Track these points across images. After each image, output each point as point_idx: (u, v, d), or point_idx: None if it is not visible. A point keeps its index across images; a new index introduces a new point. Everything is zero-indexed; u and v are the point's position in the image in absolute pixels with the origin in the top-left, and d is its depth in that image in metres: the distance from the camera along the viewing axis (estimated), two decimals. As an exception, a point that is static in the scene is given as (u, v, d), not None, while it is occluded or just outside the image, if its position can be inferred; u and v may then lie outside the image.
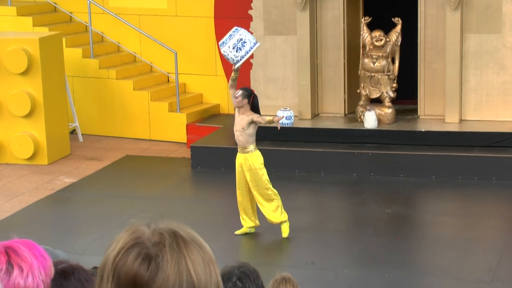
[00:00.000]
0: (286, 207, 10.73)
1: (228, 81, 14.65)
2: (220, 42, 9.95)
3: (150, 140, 14.52)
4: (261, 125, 9.91)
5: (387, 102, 12.90)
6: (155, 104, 14.51)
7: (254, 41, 9.97)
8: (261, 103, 13.70)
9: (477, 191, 11.32)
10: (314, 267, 9.03)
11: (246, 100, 9.82)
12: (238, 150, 9.92)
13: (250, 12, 13.57)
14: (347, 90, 13.39)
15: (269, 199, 9.75)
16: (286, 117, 12.89)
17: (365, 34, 12.86)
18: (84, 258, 8.79)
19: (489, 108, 12.76)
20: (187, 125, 14.25)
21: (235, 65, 9.87)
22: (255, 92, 10.48)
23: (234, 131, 9.95)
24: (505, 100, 12.71)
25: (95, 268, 3.87)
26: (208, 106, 14.83)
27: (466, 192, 11.32)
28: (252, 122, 9.73)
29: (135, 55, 15.36)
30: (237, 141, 9.93)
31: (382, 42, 12.74)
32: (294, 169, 12.31)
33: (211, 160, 12.72)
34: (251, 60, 13.71)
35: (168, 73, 15.09)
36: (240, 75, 14.37)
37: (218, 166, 12.63)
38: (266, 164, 12.46)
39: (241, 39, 9.82)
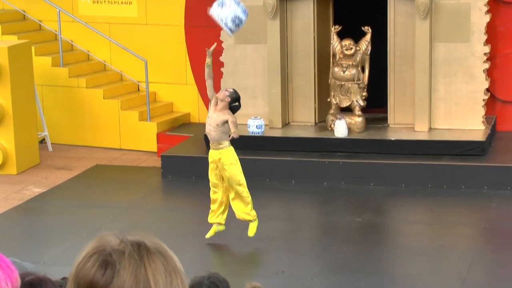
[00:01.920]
0: (258, 216, 10.73)
1: (204, 87, 14.63)
2: (213, 9, 9.81)
3: (120, 149, 14.47)
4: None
5: (357, 111, 12.94)
6: (125, 113, 14.46)
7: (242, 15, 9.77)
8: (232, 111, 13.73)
9: (447, 199, 11.38)
10: (285, 277, 9.02)
11: (229, 100, 9.77)
12: (211, 146, 9.85)
13: (220, 21, 13.55)
14: (317, 99, 13.42)
15: (240, 196, 9.70)
16: (256, 126, 12.93)
17: (335, 43, 12.91)
18: (53, 268, 8.75)
19: (458, 116, 12.83)
20: (157, 134, 14.21)
21: (230, 27, 9.63)
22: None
23: (207, 125, 9.83)
24: (474, 109, 12.79)
25: (64, 278, 3.85)
26: (179, 115, 14.80)
27: (436, 201, 11.37)
28: (226, 122, 9.69)
29: (105, 64, 15.30)
30: (208, 136, 9.84)
31: (352, 51, 12.79)
32: (265, 178, 12.31)
33: (181, 169, 12.69)
34: (221, 68, 13.71)
35: (138, 81, 15.04)
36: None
37: (189, 175, 12.60)
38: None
39: (237, 17, 9.70)
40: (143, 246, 2.03)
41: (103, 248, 2.03)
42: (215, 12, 9.61)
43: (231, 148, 9.80)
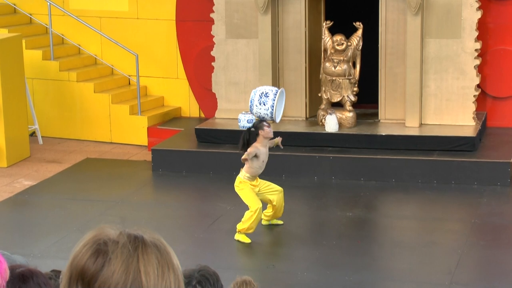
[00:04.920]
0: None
1: (195, 81, 14.63)
2: (251, 110, 10.19)
3: (111, 143, 14.46)
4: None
5: (348, 106, 12.96)
6: (116, 106, 14.44)
7: (276, 88, 10.21)
8: (223, 106, 13.75)
9: (437, 194, 11.41)
10: (275, 271, 9.04)
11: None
12: (251, 179, 9.84)
13: (212, 15, 13.57)
14: (308, 94, 13.43)
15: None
16: (247, 121, 12.93)
17: (326, 38, 12.92)
18: (43, 261, 8.77)
19: (449, 112, 12.87)
20: (148, 128, 14.21)
21: (275, 119, 10.01)
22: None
23: (262, 166, 9.84)
24: (465, 105, 12.83)
25: (53, 271, 3.85)
26: (170, 109, 14.79)
27: (426, 196, 11.40)
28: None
29: (96, 58, 15.28)
30: (256, 174, 9.87)
31: (344, 46, 12.80)
32: (255, 172, 12.31)
33: (172, 163, 12.69)
34: (212, 63, 13.71)
35: (129, 75, 15.03)
36: (201, 78, 14.40)
37: (179, 169, 12.60)
38: (227, 167, 12.48)
39: (262, 93, 10.01)
40: (140, 238, 2.05)
41: (99, 238, 2.05)
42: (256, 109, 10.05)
43: (239, 176, 9.81)
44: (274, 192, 9.98)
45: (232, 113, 13.48)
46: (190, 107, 14.84)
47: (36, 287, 2.97)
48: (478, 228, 10.22)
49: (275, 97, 10.04)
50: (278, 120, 10.44)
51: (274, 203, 10.00)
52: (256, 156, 9.70)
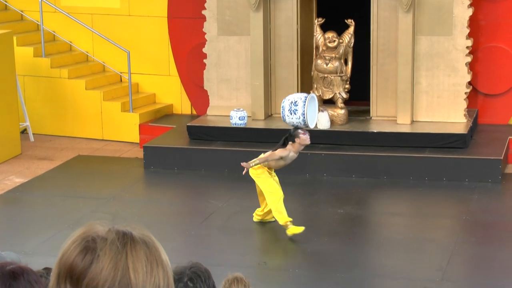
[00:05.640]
0: (240, 207, 10.79)
1: (187, 78, 14.61)
2: (284, 120, 10.21)
3: (103, 140, 14.44)
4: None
5: (339, 103, 12.97)
6: (107, 103, 14.43)
7: (304, 95, 10.23)
8: (214, 103, 13.75)
9: (428, 191, 11.43)
10: (267, 268, 9.04)
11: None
12: (272, 170, 9.90)
13: (203, 12, 13.56)
14: (300, 90, 13.43)
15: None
16: (239, 118, 12.94)
17: (318, 35, 12.92)
18: (34, 258, 8.75)
19: (440, 109, 12.89)
20: (140, 125, 14.19)
21: (309, 125, 10.05)
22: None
23: (282, 166, 9.91)
24: (456, 102, 12.85)
25: (45, 269, 3.85)
26: (161, 106, 14.78)
27: (417, 193, 11.42)
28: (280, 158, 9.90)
29: (87, 55, 15.25)
30: (276, 168, 9.90)
31: (335, 43, 12.80)
32: (247, 169, 12.31)
33: (164, 160, 12.69)
34: (204, 60, 13.71)
35: (121, 72, 15.01)
36: (193, 75, 14.39)
37: (171, 166, 12.60)
38: (219, 165, 12.48)
39: (291, 102, 10.05)
40: (129, 235, 2.05)
41: (88, 235, 2.05)
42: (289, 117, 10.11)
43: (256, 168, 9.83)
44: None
45: (224, 110, 13.47)
46: (182, 104, 14.84)
47: (27, 284, 2.96)
48: (469, 224, 10.25)
49: (304, 104, 10.09)
50: (312, 126, 10.50)
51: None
52: (282, 158, 9.76)
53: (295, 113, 10.08)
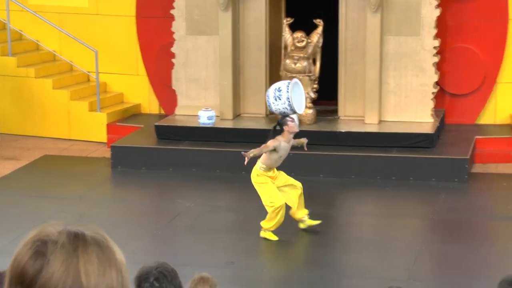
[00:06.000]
0: (208, 207, 10.76)
1: (155, 77, 14.56)
2: (270, 109, 10.04)
3: (70, 139, 14.35)
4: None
5: (308, 103, 12.98)
6: (75, 103, 14.34)
7: (288, 81, 10.09)
8: (183, 103, 13.71)
9: (396, 191, 11.48)
10: (234, 267, 9.03)
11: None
12: (267, 171, 9.70)
13: (172, 11, 13.52)
14: (268, 90, 13.43)
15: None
16: (207, 117, 12.92)
17: (287, 35, 12.94)
18: (1, 259, 8.63)
19: (408, 109, 12.95)
20: (107, 125, 14.12)
21: (296, 110, 9.83)
22: None
23: (278, 161, 9.70)
24: (423, 102, 12.91)
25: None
26: (129, 106, 14.72)
27: (385, 192, 11.46)
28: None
29: (54, 54, 15.15)
30: (273, 167, 9.72)
31: (304, 43, 12.82)
32: (215, 169, 12.30)
33: (131, 160, 12.63)
34: (172, 60, 13.67)
35: (88, 72, 14.93)
36: (161, 75, 14.34)
37: (139, 166, 12.55)
38: (187, 164, 12.45)
39: (275, 89, 9.89)
40: (81, 236, 2.02)
41: (39, 238, 2.02)
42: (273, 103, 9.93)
43: (256, 168, 9.70)
44: (289, 187, 9.85)
45: (192, 110, 13.44)
46: (150, 104, 14.78)
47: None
48: (436, 224, 10.30)
49: (288, 89, 9.90)
50: (301, 111, 10.21)
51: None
52: (275, 150, 9.61)
53: (280, 99, 9.92)
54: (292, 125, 9.60)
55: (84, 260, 1.98)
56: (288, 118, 9.68)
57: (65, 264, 1.96)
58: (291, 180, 9.80)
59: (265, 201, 9.61)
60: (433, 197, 11.19)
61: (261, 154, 9.57)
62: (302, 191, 9.79)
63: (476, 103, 13.52)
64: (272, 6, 13.36)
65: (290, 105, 9.82)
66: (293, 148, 9.95)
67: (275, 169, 9.74)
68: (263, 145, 9.55)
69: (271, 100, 9.91)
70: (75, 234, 2.02)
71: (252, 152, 9.45)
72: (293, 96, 9.92)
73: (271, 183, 9.61)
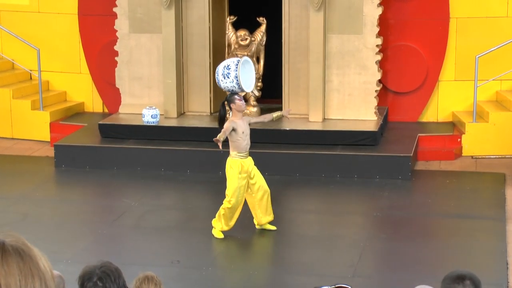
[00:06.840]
0: (153, 206, 10.72)
1: (98, 76, 14.45)
2: (219, 85, 9.89)
3: (12, 138, 14.19)
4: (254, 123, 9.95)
5: (252, 101, 13.01)
6: (17, 102, 14.18)
7: (238, 59, 9.94)
8: (126, 101, 13.64)
9: (340, 188, 11.55)
10: (179, 266, 9.01)
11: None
12: (242, 156, 9.65)
13: (115, 9, 13.44)
14: (213, 89, 13.43)
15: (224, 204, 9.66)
16: (151, 116, 12.87)
17: (230, 33, 12.94)
18: None
19: (351, 107, 13.04)
20: (50, 123, 13.99)
21: (244, 89, 9.70)
22: None
23: (244, 138, 9.62)
24: (366, 100, 13.02)
25: None
26: (72, 104, 14.60)
27: (329, 190, 11.53)
28: (249, 123, 9.73)
29: (-4, 52, 14.96)
30: (244, 148, 9.65)
31: (247, 41, 12.84)
32: (160, 167, 12.27)
33: (75, 159, 12.53)
34: (116, 58, 13.58)
35: (30, 70, 14.77)
36: (104, 73, 14.24)
37: (83, 165, 12.46)
38: (132, 163, 12.39)
39: (224, 66, 9.76)
40: (0, 246, 1.96)
41: None
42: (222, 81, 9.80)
43: (228, 159, 9.67)
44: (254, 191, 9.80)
45: (136, 108, 13.38)
46: (94, 102, 14.68)
47: None
48: (380, 221, 10.39)
49: (236, 67, 9.81)
50: (250, 89, 10.03)
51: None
52: (233, 129, 9.56)
53: (228, 77, 9.83)
54: (239, 104, 9.61)
55: (4, 272, 1.91)
56: (236, 96, 9.68)
57: None
58: (263, 182, 9.80)
59: (228, 194, 9.62)
60: (377, 194, 11.29)
61: (226, 136, 9.57)
62: (268, 195, 9.84)
63: (418, 101, 13.67)
64: (215, 4, 13.35)
65: (238, 83, 9.75)
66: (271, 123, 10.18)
67: (251, 162, 9.69)
68: (222, 130, 9.54)
69: (219, 77, 9.82)
70: None
71: (220, 136, 9.43)
72: (242, 74, 9.85)
73: (239, 177, 9.58)
